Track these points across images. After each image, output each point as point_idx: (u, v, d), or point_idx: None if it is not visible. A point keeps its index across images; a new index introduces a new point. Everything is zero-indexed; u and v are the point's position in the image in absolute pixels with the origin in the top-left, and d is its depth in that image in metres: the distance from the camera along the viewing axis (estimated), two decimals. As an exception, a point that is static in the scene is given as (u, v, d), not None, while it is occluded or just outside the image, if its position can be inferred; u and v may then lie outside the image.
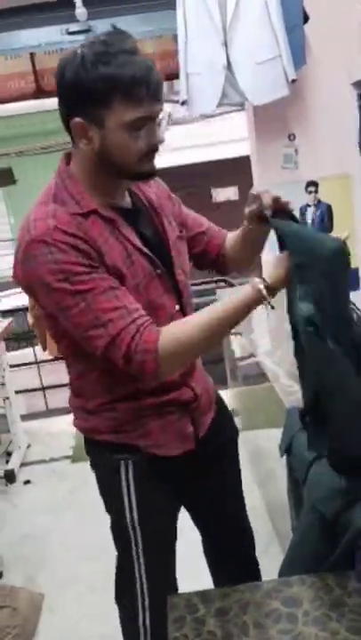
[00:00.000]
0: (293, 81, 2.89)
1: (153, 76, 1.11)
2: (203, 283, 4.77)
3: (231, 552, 1.62)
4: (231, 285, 4.97)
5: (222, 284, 5.02)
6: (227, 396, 3.72)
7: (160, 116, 1.16)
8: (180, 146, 10.03)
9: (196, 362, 1.40)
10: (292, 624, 1.02)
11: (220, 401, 1.53)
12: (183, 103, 3.00)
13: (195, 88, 2.96)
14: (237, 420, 3.42)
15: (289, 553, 1.29)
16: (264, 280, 1.16)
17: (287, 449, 1.56)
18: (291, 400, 1.75)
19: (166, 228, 1.33)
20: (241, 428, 3.37)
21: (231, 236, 1.47)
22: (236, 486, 1.61)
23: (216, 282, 5.05)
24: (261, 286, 1.15)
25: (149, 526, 1.35)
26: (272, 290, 1.17)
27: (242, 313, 1.19)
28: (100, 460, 1.39)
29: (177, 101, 3.01)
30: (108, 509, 1.40)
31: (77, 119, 1.12)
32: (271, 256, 1.25)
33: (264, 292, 1.15)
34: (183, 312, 1.33)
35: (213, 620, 1.05)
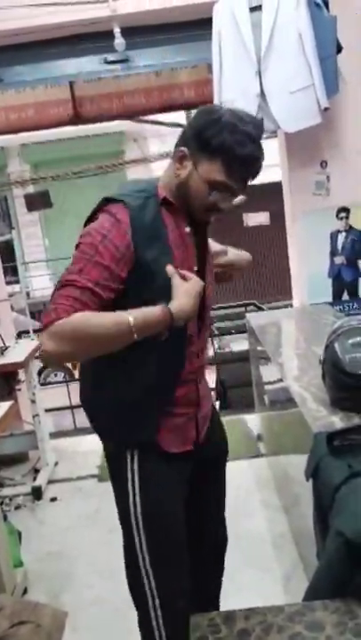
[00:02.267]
0: (326, 109, 2.93)
1: (254, 168, 1.32)
2: (232, 307, 4.82)
3: (204, 557, 1.66)
4: (260, 309, 4.99)
5: (252, 307, 5.05)
6: (254, 420, 3.71)
7: (238, 197, 1.39)
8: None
9: (202, 364, 1.51)
10: (314, 649, 1.02)
11: (215, 413, 1.65)
12: (217, 130, 3.06)
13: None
14: (264, 446, 3.43)
15: (314, 578, 1.28)
16: (169, 310, 1.28)
17: (313, 473, 1.56)
18: (318, 425, 1.74)
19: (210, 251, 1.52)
20: (267, 453, 3.37)
21: None
22: (220, 496, 1.70)
23: (245, 305, 5.09)
24: (168, 314, 1.28)
25: (153, 519, 1.41)
26: (175, 320, 1.29)
27: (145, 330, 1.27)
28: (111, 454, 1.48)
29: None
30: (116, 501, 1.47)
31: (184, 149, 1.33)
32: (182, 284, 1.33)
33: (168, 319, 1.28)
34: (199, 331, 1.46)
35: (236, 641, 1.05)
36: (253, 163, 1.31)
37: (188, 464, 1.50)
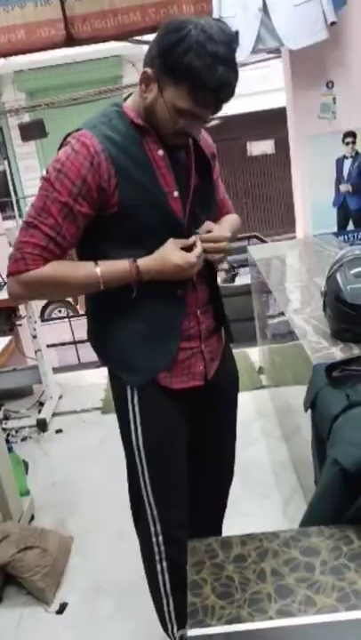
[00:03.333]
0: (333, 24, 2.75)
1: (224, 92, 1.21)
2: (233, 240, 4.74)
3: (210, 490, 1.70)
4: (263, 241, 4.91)
5: (254, 240, 4.97)
6: (256, 353, 3.72)
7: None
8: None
9: (203, 297, 1.44)
10: (309, 572, 1.03)
11: (228, 352, 1.61)
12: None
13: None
14: (265, 378, 3.46)
15: (310, 505, 1.29)
16: (137, 266, 1.28)
17: (312, 404, 1.56)
18: (318, 357, 1.73)
19: (192, 176, 1.39)
20: (269, 385, 3.40)
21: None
22: (231, 431, 1.70)
23: (248, 238, 5.00)
24: (134, 268, 1.28)
25: (153, 450, 1.43)
26: (141, 275, 1.28)
27: (112, 283, 1.29)
28: (114, 386, 1.48)
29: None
30: (121, 433, 1.49)
31: (150, 71, 1.23)
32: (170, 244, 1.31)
33: (134, 273, 1.28)
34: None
35: (232, 565, 1.07)
36: (224, 88, 1.20)
37: (194, 399, 1.47)
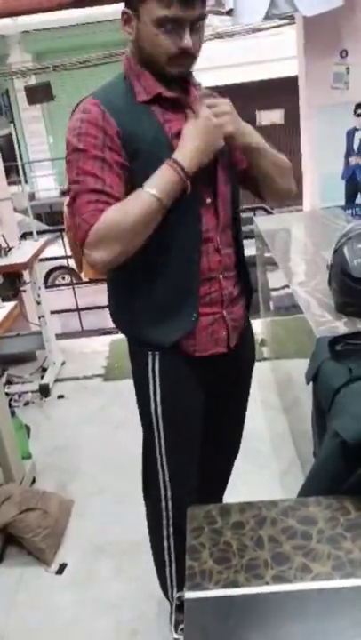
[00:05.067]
0: (350, -10, 2.68)
1: None
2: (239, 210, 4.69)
3: (217, 460, 1.72)
4: (269, 213, 4.86)
5: (261, 211, 4.92)
6: (259, 325, 3.72)
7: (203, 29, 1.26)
8: (223, 64, 9.48)
9: (228, 263, 1.42)
10: (305, 541, 1.05)
11: (249, 325, 1.60)
12: (229, 12, 2.81)
13: (241, -3, 2.76)
14: (267, 350, 3.47)
15: (309, 476, 1.31)
16: (174, 160, 1.23)
17: (314, 377, 1.56)
18: (321, 330, 1.73)
19: None
20: (271, 357, 3.41)
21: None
22: (244, 403, 1.72)
23: (254, 210, 4.95)
24: (174, 164, 1.23)
25: (172, 418, 1.44)
26: (187, 168, 1.23)
27: (168, 191, 1.24)
28: (133, 354, 1.48)
29: (222, 12, 2.82)
30: (138, 401, 1.49)
31: (125, 9, 1.26)
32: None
33: (178, 168, 1.23)
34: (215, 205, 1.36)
35: (230, 532, 1.09)
36: None
37: (215, 367, 1.46)
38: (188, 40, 1.23)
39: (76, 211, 1.25)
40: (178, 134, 1.28)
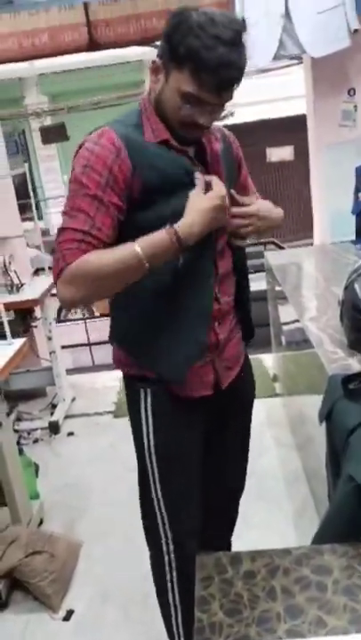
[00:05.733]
0: (356, 31, 2.73)
1: (227, 74, 1.16)
2: (250, 245, 4.70)
3: (221, 500, 1.66)
4: (280, 247, 4.88)
5: (271, 246, 4.93)
6: (270, 360, 3.68)
7: (224, 109, 1.26)
8: (233, 103, 9.72)
9: (226, 310, 1.42)
10: (320, 592, 1.00)
11: (247, 362, 1.58)
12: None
13: (250, 38, 2.82)
14: (279, 386, 3.42)
15: (323, 522, 1.26)
16: (175, 229, 1.20)
17: (327, 416, 1.52)
18: (333, 367, 1.70)
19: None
20: (283, 393, 3.36)
21: None
22: (245, 441, 1.67)
23: (265, 244, 4.96)
24: (172, 233, 1.19)
25: (165, 455, 1.41)
26: (180, 237, 1.20)
27: (155, 257, 1.20)
28: (127, 390, 1.47)
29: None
30: (133, 438, 1.46)
31: (158, 60, 1.24)
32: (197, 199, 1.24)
33: (174, 238, 1.19)
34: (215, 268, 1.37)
35: (241, 582, 1.04)
36: (225, 68, 1.15)
37: (206, 408, 1.45)
38: (206, 120, 1.24)
39: (59, 244, 1.23)
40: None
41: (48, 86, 11.26)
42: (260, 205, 1.38)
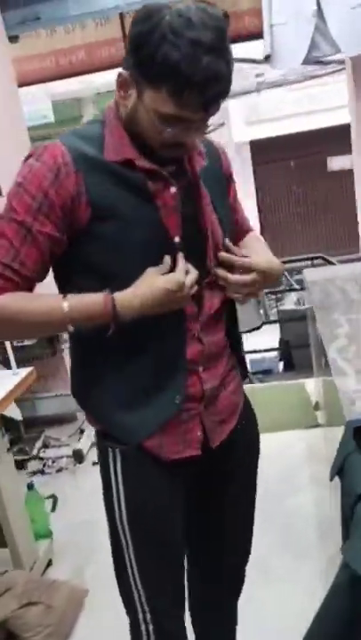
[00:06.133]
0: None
1: (213, 87, 0.96)
2: (293, 260, 4.41)
3: (217, 574, 1.41)
4: (330, 263, 4.57)
5: (319, 260, 4.62)
6: (311, 385, 3.40)
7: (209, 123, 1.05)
8: (290, 113, 9.48)
9: (214, 352, 1.19)
10: None
11: (247, 405, 1.33)
12: (266, 58, 2.68)
13: (280, 40, 2.63)
14: (321, 415, 3.14)
15: (316, 616, 1.03)
16: (112, 300, 1.03)
17: (339, 471, 1.29)
18: (354, 410, 1.46)
19: (204, 208, 1.15)
20: (324, 424, 3.07)
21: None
22: (247, 504, 1.39)
23: (312, 259, 4.65)
24: (110, 301, 1.03)
25: (139, 529, 1.18)
26: (117, 310, 1.03)
27: (82, 321, 1.05)
28: (97, 448, 1.24)
29: (257, 61, 2.70)
30: (104, 503, 1.23)
31: (125, 73, 1.01)
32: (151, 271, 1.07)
33: (110, 307, 1.03)
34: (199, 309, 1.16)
35: None
36: (212, 83, 0.94)
37: (193, 470, 1.21)
38: (192, 139, 1.05)
39: None
40: (172, 209, 1.08)
41: (103, 104, 11.40)
42: (260, 259, 1.18)
